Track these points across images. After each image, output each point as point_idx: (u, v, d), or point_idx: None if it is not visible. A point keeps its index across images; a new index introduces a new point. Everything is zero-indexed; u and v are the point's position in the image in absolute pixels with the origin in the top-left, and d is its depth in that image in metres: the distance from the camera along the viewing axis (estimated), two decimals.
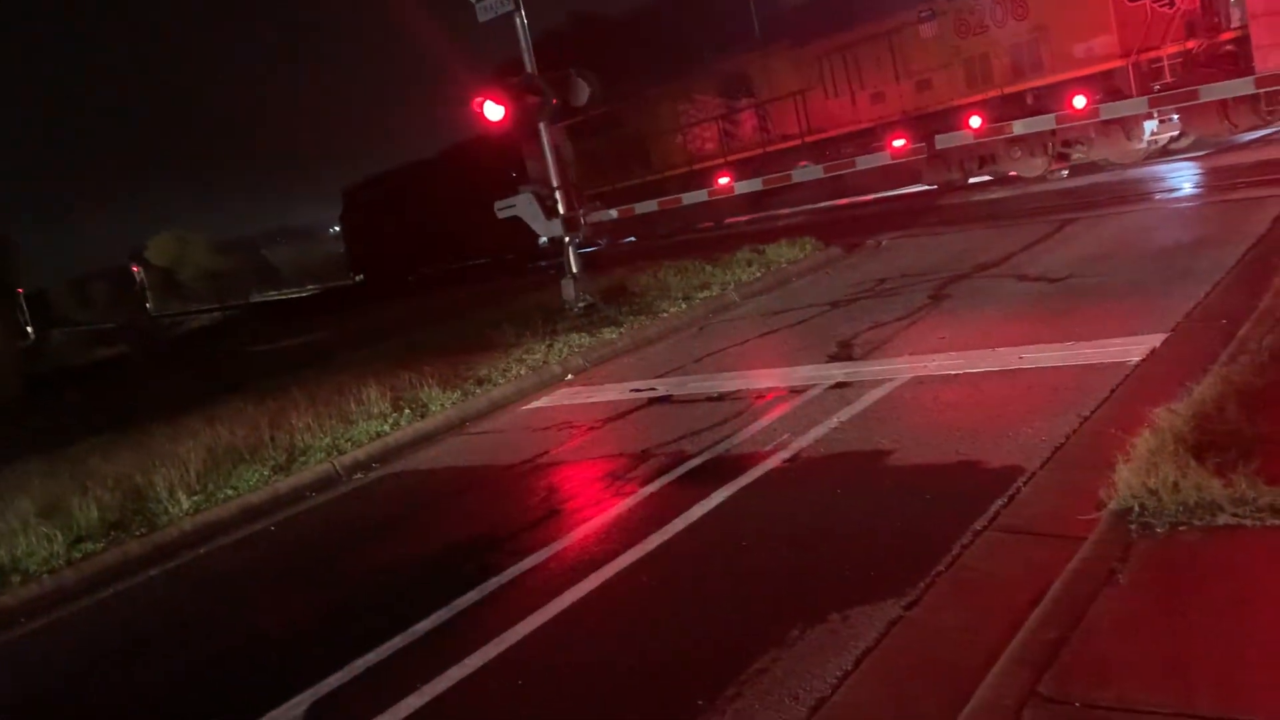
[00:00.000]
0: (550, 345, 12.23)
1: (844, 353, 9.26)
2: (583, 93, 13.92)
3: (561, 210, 14.36)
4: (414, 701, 4.57)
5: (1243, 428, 4.52)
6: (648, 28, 27.84)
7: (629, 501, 6.56)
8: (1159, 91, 16.62)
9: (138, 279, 75.85)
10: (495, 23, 14.07)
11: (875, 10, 20.85)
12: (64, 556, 7.78)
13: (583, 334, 12.62)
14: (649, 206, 24.63)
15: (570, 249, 14.51)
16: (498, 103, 13.48)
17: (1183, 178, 16.06)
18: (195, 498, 8.61)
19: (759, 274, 14.81)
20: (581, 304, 14.22)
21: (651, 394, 9.54)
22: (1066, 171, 19.40)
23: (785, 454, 6.73)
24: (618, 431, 8.57)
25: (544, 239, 15.29)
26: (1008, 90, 18.94)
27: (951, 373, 7.74)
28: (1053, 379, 6.98)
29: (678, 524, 5.90)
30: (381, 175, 39.39)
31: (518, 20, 13.92)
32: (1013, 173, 19.94)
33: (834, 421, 7.17)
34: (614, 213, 23.14)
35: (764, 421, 7.62)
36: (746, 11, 25.24)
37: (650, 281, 15.37)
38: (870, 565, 4.79)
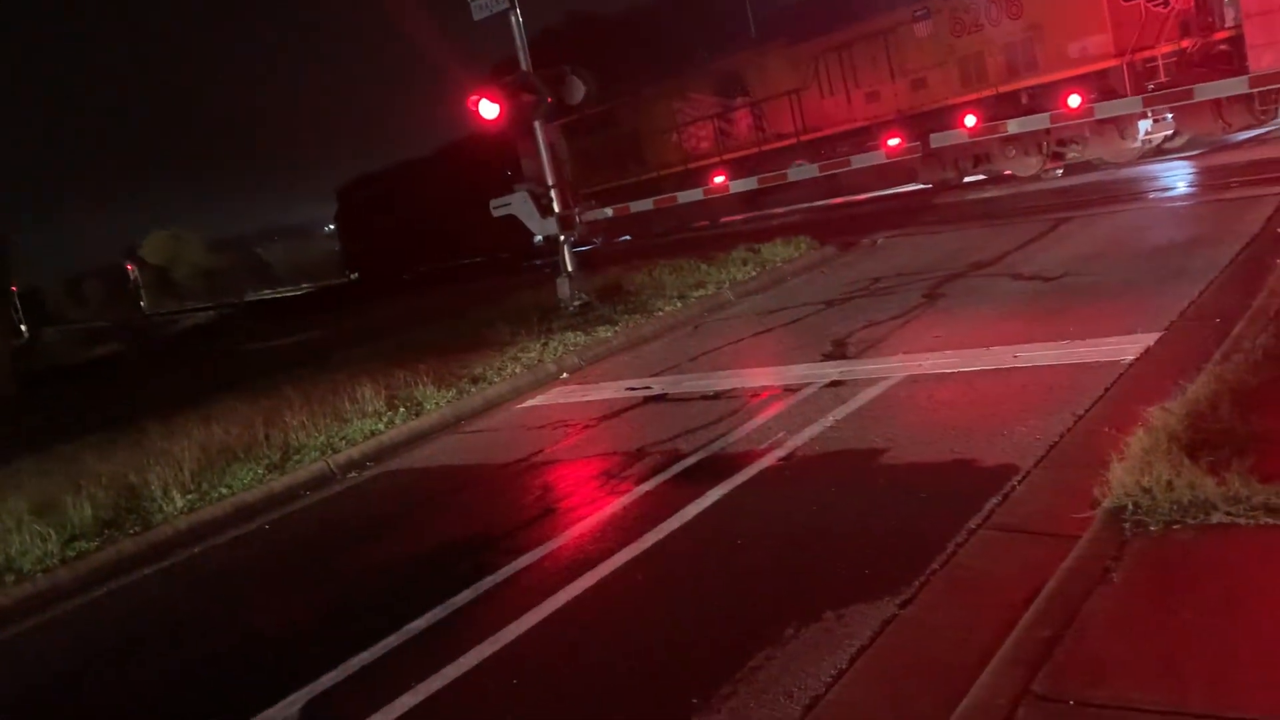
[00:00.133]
0: (545, 344, 12.23)
1: (839, 351, 9.27)
2: (578, 91, 13.92)
3: (557, 209, 14.36)
4: (409, 700, 4.57)
5: (1236, 426, 4.53)
6: (644, 26, 27.80)
7: (624, 500, 6.56)
8: (1153, 91, 16.65)
9: (132, 277, 75.71)
10: (490, 21, 14.06)
11: (870, 9, 20.86)
12: (58, 555, 7.75)
13: (578, 332, 12.62)
14: (644, 205, 24.62)
15: (565, 247, 14.51)
16: (493, 101, 13.46)
17: (1177, 177, 16.10)
18: (189, 496, 8.59)
19: (754, 273, 14.83)
20: (577, 302, 14.22)
21: (647, 392, 9.54)
22: (1061, 170, 19.44)
23: (780, 452, 6.73)
24: (613, 430, 8.57)
25: (539, 237, 15.27)
26: (1003, 89, 18.96)
27: (946, 371, 7.75)
28: (1047, 378, 6.99)
29: (673, 522, 5.90)
30: (376, 174, 39.38)
31: (513, 18, 13.90)
32: (1007, 172, 19.98)
33: (829, 420, 7.17)
34: (609, 211, 23.12)
35: (759, 420, 7.63)
36: (742, 10, 25.23)
37: (645, 280, 15.37)
38: (865, 563, 4.79)
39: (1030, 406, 6.43)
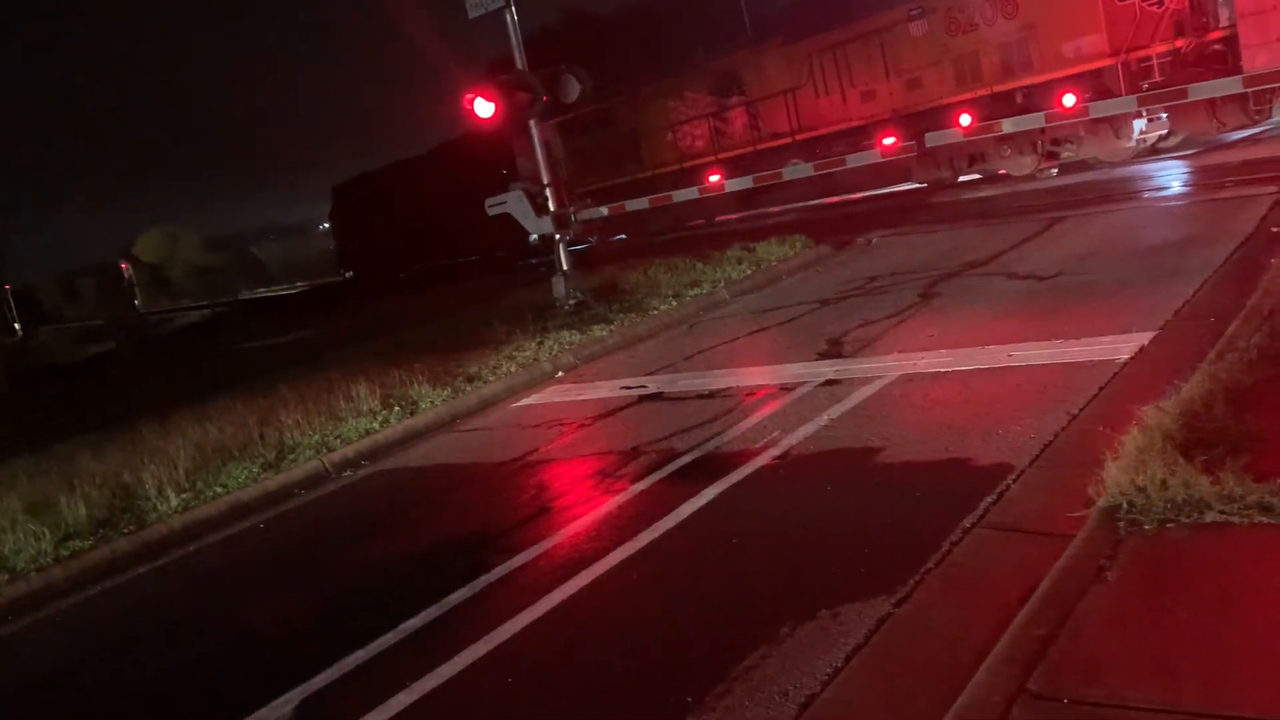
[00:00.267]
0: (541, 342, 12.22)
1: (834, 350, 9.28)
2: (573, 90, 13.90)
3: (552, 207, 14.35)
4: (404, 699, 4.57)
5: (1230, 425, 4.54)
6: (639, 25, 27.82)
7: (619, 499, 6.56)
8: (1148, 90, 16.68)
9: (126, 276, 75.57)
10: (486, 19, 14.05)
11: (866, 9, 20.87)
12: (52, 554, 7.74)
13: (573, 331, 12.61)
14: (640, 204, 24.62)
15: (561, 246, 14.50)
16: (488, 99, 13.44)
17: (1171, 176, 16.12)
18: (184, 495, 8.58)
19: (749, 271, 14.83)
20: (572, 301, 14.22)
21: (642, 391, 9.54)
22: (1056, 170, 19.45)
23: (775, 451, 6.74)
24: (608, 429, 8.57)
25: (534, 236, 15.30)
26: (997, 89, 18.97)
27: (941, 370, 7.76)
28: (1042, 377, 7.00)
29: (668, 521, 5.90)
30: (372, 172, 39.29)
31: (508, 17, 13.88)
32: (1002, 171, 19.99)
33: (824, 419, 7.18)
34: (605, 210, 23.11)
35: (754, 419, 7.63)
36: (738, 9, 25.24)
37: (641, 279, 15.37)
38: (860, 562, 4.80)
39: (1025, 405, 6.44)
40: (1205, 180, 14.55)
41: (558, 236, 14.46)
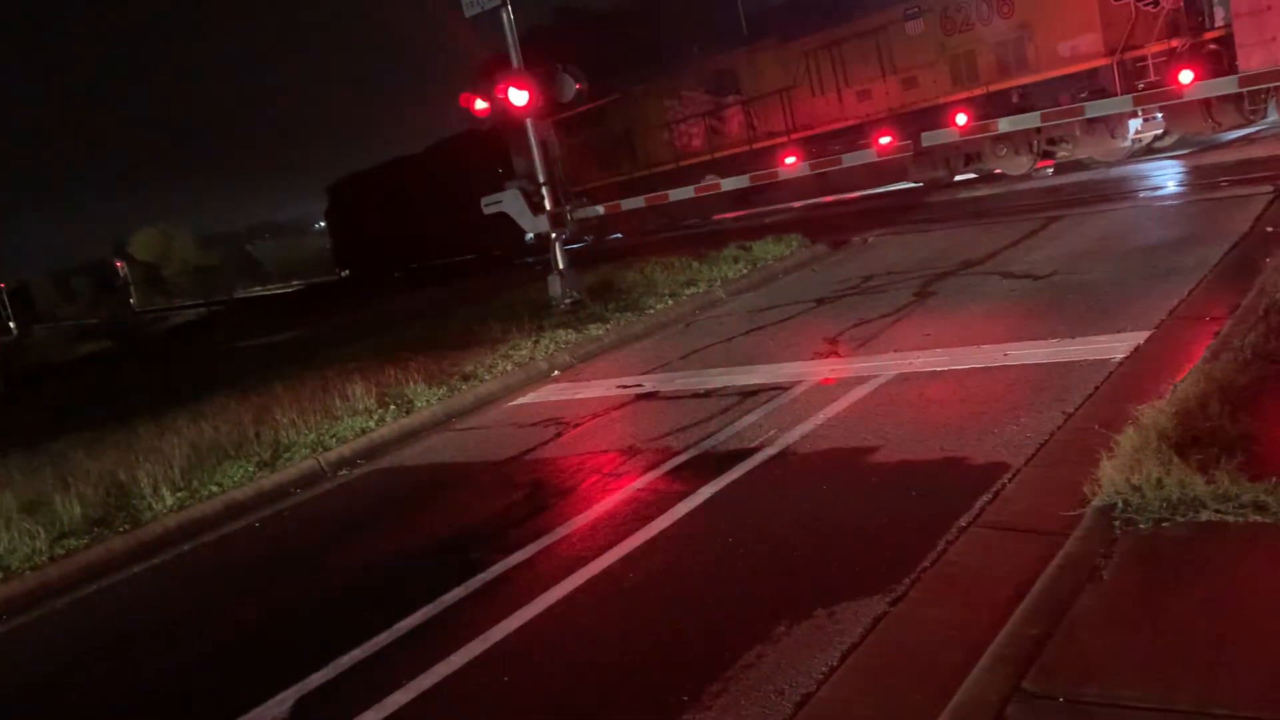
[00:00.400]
0: (537, 341, 12.21)
1: (830, 349, 9.28)
2: (569, 89, 13.90)
3: (548, 206, 14.35)
4: (400, 697, 4.57)
5: (1225, 425, 4.55)
6: (636, 24, 27.78)
7: (615, 498, 6.56)
8: (1143, 90, 16.71)
9: (121, 274, 75.42)
10: (482, 18, 14.04)
11: (862, 8, 20.89)
12: (46, 553, 7.72)
13: (569, 330, 12.61)
14: (636, 203, 24.61)
15: (557, 245, 14.50)
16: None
17: (1167, 176, 16.15)
18: (179, 494, 8.56)
19: (745, 271, 14.83)
20: (568, 300, 14.21)
21: (638, 390, 9.54)
22: (1052, 169, 19.49)
23: (771, 450, 6.74)
24: (604, 428, 8.57)
25: (530, 235, 15.29)
26: (993, 88, 19.00)
27: (937, 369, 7.77)
28: (1037, 376, 7.01)
29: (664, 520, 5.91)
30: (367, 171, 39.21)
31: (504, 15, 13.87)
32: (998, 170, 20.02)
33: (820, 418, 7.18)
34: (600, 209, 23.11)
35: (750, 418, 7.63)
36: (734, 8, 25.24)
37: (637, 278, 15.36)
38: (856, 561, 4.81)
39: (1020, 404, 6.45)
40: (1200, 180, 14.59)
41: (554, 235, 14.46)
